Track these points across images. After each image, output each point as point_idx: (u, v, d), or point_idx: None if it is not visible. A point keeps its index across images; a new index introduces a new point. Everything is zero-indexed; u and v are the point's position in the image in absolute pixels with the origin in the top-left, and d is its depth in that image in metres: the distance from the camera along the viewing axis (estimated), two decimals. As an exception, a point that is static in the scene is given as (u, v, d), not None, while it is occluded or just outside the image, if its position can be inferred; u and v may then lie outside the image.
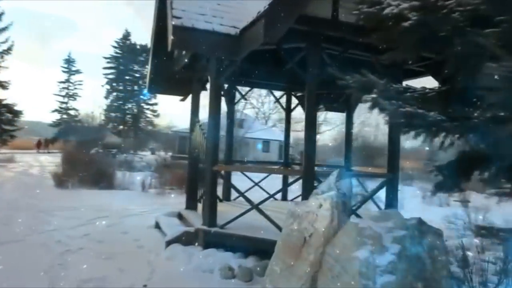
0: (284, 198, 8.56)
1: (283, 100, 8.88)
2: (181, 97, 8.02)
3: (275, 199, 8.64)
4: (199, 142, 6.05)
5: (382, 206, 6.46)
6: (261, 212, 5.02)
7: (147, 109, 42.45)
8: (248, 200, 5.17)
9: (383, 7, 2.60)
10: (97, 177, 12.35)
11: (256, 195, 6.95)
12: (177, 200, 10.47)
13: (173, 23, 4.00)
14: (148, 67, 7.27)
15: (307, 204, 3.84)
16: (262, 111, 38.96)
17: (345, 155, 8.20)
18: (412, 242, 2.30)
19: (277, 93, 9.44)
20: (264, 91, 29.05)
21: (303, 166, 4.77)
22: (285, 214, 5.36)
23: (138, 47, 42.76)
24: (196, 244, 5.11)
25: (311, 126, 4.72)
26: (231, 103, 7.91)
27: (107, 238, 5.74)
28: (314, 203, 3.69)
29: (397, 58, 3.06)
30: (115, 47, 42.48)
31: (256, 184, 8.05)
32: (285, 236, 3.94)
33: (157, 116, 42.95)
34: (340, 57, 5.10)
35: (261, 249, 4.81)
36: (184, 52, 5.88)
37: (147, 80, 7.38)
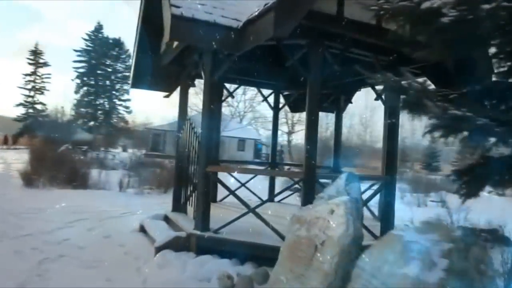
0: (271, 199, 8.38)
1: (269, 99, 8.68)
2: (166, 94, 7.64)
3: (262, 200, 8.44)
4: (189, 141, 5.72)
5: (375, 210, 6.41)
6: (258, 216, 4.79)
7: (120, 105, 41.06)
8: (244, 203, 4.92)
9: (420, 1, 2.43)
10: (69, 175, 11.65)
11: (242, 196, 6.70)
12: (157, 200, 10.07)
13: (172, 12, 3.68)
14: (132, 61, 6.85)
15: (315, 209, 3.65)
16: (238, 110, 38.75)
17: (334, 156, 8.12)
18: (459, 256, 2.16)
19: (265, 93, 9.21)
20: (240, 89, 28.87)
21: (303, 168, 4.58)
22: (280, 217, 5.19)
23: (110, 41, 41.26)
24: (188, 250, 4.82)
25: (313, 127, 4.54)
26: (218, 100, 7.60)
27: (89, 243, 5.32)
28: (324, 208, 3.51)
29: (431, 58, 2.90)
30: (86, 40, 40.77)
31: (243, 184, 7.80)
32: (291, 243, 3.73)
33: (130, 112, 41.70)
34: (341, 56, 4.94)
35: (258, 255, 4.60)
36: (174, 45, 5.53)
37: (131, 75, 6.95)
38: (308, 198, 4.48)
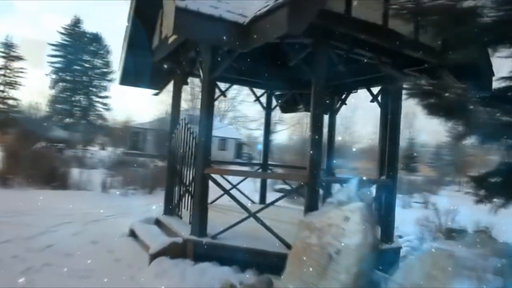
0: (263, 201, 8.21)
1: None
2: (155, 91, 7.33)
3: (253, 202, 8.27)
4: (184, 141, 5.46)
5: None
6: (259, 221, 4.60)
7: (98, 102, 39.83)
8: (245, 207, 4.72)
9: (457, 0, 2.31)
10: (47, 175, 11.10)
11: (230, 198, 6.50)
12: (143, 201, 9.72)
13: (177, 4, 3.43)
14: (121, 56, 6.50)
15: (326, 216, 3.50)
16: (219, 109, 38.27)
17: (327, 158, 8.02)
18: (511, 272, 2.04)
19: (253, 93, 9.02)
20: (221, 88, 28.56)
21: (307, 172, 4.41)
22: (279, 221, 5.02)
23: (88, 35, 39.95)
24: (185, 257, 4.57)
25: (318, 128, 4.38)
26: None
27: (75, 250, 4.96)
28: (337, 215, 3.36)
29: (467, 58, 2.78)
30: (62, 34, 39.29)
31: (234, 186, 7.59)
32: (300, 250, 3.57)
33: (109, 110, 40.52)
34: (345, 56, 4.81)
35: (259, 262, 4.41)
36: (170, 41, 5.26)
37: (120, 71, 6.61)
38: (312, 203, 4.32)
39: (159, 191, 11.70)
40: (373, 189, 3.70)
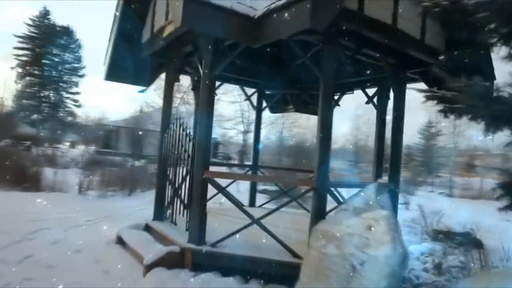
0: (252, 203, 7.95)
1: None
2: (142, 88, 6.89)
3: (242, 204, 7.97)
4: (179, 142, 5.11)
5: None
6: (265, 228, 4.34)
7: (68, 98, 38.03)
8: (247, 213, 4.44)
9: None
10: (16, 175, 10.32)
11: (216, 200, 6.26)
12: (124, 204, 9.22)
13: (186, -7, 3.11)
14: (108, 50, 6.04)
15: (345, 224, 3.29)
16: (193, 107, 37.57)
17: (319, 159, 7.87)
18: None
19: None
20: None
21: (315, 176, 4.20)
22: (279, 227, 4.77)
23: (58, 28, 38.05)
24: (183, 267, 4.24)
25: (326, 130, 4.17)
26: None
27: (58, 260, 4.51)
28: (359, 223, 3.15)
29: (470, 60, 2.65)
30: (29, 25, 37.20)
31: (224, 188, 7.25)
32: (316, 260, 3.34)
33: (80, 106, 38.79)
34: (350, 56, 4.64)
35: (264, 272, 4.16)
36: (165, 34, 4.89)
37: (106, 65, 6.14)
38: (320, 209, 4.11)
39: (140, 193, 11.21)
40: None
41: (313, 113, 8.43)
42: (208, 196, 5.85)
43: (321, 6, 2.97)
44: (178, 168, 5.15)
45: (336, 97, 7.60)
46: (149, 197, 10.95)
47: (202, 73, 4.47)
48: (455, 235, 8.67)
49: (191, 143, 4.74)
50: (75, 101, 38.45)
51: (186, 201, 4.80)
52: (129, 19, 5.75)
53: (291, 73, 7.26)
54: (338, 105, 7.80)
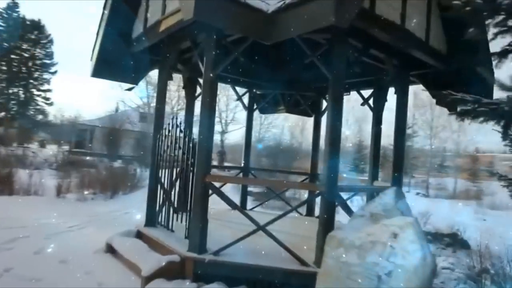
0: (243, 206, 7.71)
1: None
2: (130, 86, 6.52)
3: (232, 208, 7.72)
4: (176, 143, 4.82)
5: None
6: (268, 234, 4.13)
7: (39, 95, 36.28)
8: (252, 219, 4.21)
9: None
10: (-14, 177, 9.62)
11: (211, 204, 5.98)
12: (106, 208, 8.78)
13: (199, -17, 2.86)
14: (96, 45, 5.66)
15: (365, 231, 3.13)
16: (172, 107, 36.78)
17: (311, 161, 7.76)
18: None
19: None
20: (172, 85, 27.57)
21: (324, 181, 4.03)
22: (282, 232, 4.57)
23: (28, 22, 36.25)
24: (184, 277, 3.97)
25: (336, 132, 4.00)
26: (191, 96, 6.71)
27: (43, 273, 4.11)
28: (381, 231, 3.00)
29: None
30: (-4, 18, 35.20)
31: (219, 188, 7.01)
32: (334, 269, 3.17)
33: (51, 104, 37.07)
34: (359, 56, 4.51)
35: (270, 281, 3.95)
36: (161, 29, 4.59)
37: (93, 61, 5.75)
38: (329, 215, 3.95)
39: (122, 195, 10.75)
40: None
41: (305, 114, 8.32)
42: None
43: (345, 1, 2.80)
44: (174, 171, 4.86)
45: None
46: (132, 200, 10.54)
47: (203, 71, 4.21)
48: (443, 236, 8.81)
49: (190, 145, 4.47)
50: (46, 99, 36.73)
51: (187, 206, 4.50)
52: (119, 12, 5.39)
53: (286, 73, 7.10)
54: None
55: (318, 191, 4.15)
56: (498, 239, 7.40)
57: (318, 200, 9.40)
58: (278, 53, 7.00)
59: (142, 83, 27.71)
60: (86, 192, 9.75)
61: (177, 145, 4.75)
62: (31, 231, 5.93)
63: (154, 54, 5.45)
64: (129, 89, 6.73)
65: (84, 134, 33.13)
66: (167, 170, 5.05)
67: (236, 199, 7.58)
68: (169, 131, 4.97)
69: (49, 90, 36.88)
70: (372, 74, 5.99)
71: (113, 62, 5.74)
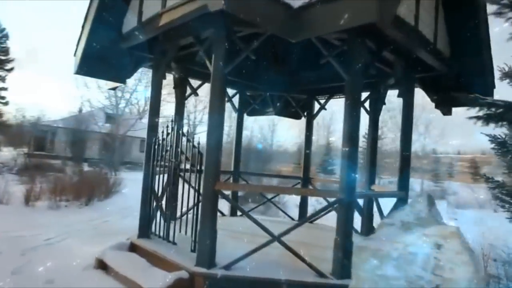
0: (233, 213, 7.40)
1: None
2: (116, 84, 6.03)
3: (223, 214, 7.39)
4: (177, 147, 4.44)
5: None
6: (284, 245, 3.87)
7: (-7, 94, 33.68)
8: (266, 230, 3.91)
9: None
10: None
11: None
12: (82, 216, 8.12)
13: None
14: (81, 40, 5.14)
15: (401, 241, 2.95)
16: (139, 108, 35.47)
17: (303, 165, 7.58)
18: None
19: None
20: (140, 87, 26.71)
21: (340, 186, 3.83)
22: (309, 246, 4.31)
23: (-19, 15, 33.67)
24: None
25: (353, 136, 3.81)
26: (181, 97, 6.32)
27: (28, 297, 3.61)
28: (421, 240, 2.84)
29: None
30: None
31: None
32: (370, 284, 2.96)
33: (6, 104, 34.47)
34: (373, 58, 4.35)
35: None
36: (161, 23, 4.20)
37: (77, 57, 5.22)
38: (347, 223, 3.77)
39: (97, 202, 10.04)
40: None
41: (295, 116, 8.15)
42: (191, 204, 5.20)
43: (388, -2, 2.61)
44: (174, 178, 4.48)
45: (322, 101, 7.41)
46: (110, 206, 9.87)
47: (212, 69, 3.89)
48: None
49: (196, 151, 4.11)
50: (2, 97, 34.22)
51: (192, 217, 4.14)
52: (108, 4, 4.92)
53: (279, 74, 6.89)
54: (325, 108, 7.59)
55: (335, 198, 3.93)
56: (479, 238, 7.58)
57: (311, 203, 9.18)
58: (274, 53, 6.80)
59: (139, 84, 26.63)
60: (58, 199, 8.96)
61: (179, 150, 4.37)
62: (3, 246, 5.28)
63: (147, 51, 5.03)
64: (113, 89, 6.23)
65: (44, 136, 31.14)
66: (165, 177, 4.66)
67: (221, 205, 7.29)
68: (167, 134, 4.58)
69: (4, 89, 34.34)
70: (370, 76, 5.90)
71: (100, 58, 5.25)
